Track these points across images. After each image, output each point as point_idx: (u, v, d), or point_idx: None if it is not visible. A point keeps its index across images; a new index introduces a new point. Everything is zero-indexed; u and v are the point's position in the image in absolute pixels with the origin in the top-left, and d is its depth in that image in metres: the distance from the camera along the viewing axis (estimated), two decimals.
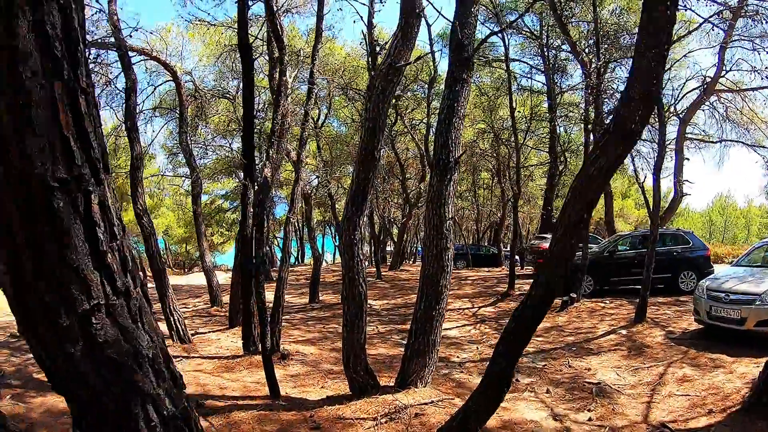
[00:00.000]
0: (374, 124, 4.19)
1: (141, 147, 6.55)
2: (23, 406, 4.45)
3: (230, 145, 16.42)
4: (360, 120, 4.32)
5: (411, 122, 19.10)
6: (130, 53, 8.96)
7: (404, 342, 8.64)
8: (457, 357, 7.17)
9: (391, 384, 4.72)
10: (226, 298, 12.76)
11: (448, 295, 4.87)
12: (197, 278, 15.59)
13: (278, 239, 33.79)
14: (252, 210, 4.71)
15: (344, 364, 4.65)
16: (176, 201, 23.25)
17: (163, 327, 7.71)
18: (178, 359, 6.27)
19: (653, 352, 6.48)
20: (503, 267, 19.36)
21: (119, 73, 9.32)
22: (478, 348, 7.62)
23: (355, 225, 4.40)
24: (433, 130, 18.69)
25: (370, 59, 10.61)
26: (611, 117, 2.86)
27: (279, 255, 34.40)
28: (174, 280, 21.64)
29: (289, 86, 7.33)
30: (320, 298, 12.38)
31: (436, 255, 4.58)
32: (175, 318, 6.80)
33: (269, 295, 6.12)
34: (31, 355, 6.50)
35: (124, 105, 6.63)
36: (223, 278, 22.99)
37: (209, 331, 8.45)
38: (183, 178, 14.15)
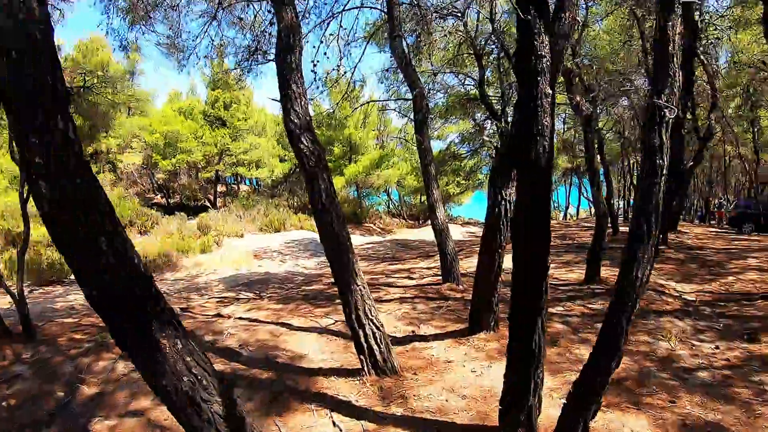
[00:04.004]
0: None
1: (294, 15, 3.41)
2: None
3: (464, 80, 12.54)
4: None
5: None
6: None
7: None
8: None
9: None
10: (465, 264, 9.41)
11: None
12: (429, 233, 12.04)
13: None
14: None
15: None
16: (403, 138, 21.52)
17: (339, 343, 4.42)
18: None
19: None
20: None
21: None
22: None
23: None
24: None
25: None
26: None
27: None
28: (405, 234, 20.19)
29: None
30: (601, 275, 7.75)
31: None
32: (368, 330, 3.67)
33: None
34: None
35: None
36: (458, 234, 19.21)
37: (433, 336, 5.19)
38: (402, 102, 10.89)
